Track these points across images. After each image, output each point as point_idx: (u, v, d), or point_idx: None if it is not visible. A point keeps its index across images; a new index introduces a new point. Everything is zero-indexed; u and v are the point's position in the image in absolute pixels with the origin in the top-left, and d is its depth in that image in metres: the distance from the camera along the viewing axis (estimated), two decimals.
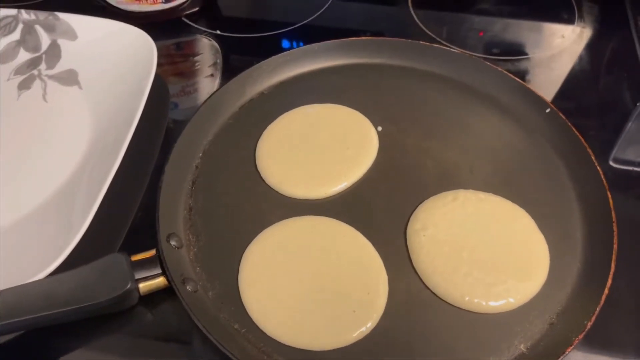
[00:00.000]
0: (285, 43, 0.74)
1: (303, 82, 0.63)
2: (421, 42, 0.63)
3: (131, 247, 0.48)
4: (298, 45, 0.74)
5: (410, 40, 0.63)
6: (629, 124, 0.63)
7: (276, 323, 0.44)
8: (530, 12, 0.76)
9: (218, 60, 0.72)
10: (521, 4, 0.77)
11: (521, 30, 0.74)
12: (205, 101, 0.58)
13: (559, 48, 0.71)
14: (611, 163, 0.58)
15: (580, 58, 0.70)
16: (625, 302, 0.47)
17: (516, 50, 0.70)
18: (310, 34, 0.74)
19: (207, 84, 0.69)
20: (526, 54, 0.70)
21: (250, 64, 0.62)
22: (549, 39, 0.72)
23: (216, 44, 0.74)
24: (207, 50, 0.74)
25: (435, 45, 0.63)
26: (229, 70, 0.70)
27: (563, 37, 0.72)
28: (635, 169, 0.59)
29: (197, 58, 0.73)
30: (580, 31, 0.73)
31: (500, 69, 0.60)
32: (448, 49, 0.63)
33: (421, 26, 0.74)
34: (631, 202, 0.56)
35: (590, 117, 0.63)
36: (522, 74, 0.67)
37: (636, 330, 0.46)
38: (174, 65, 0.73)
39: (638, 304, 0.47)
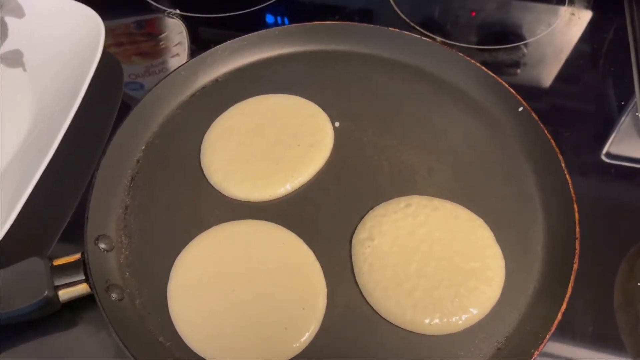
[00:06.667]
0: (256, 22, 0.69)
1: (261, 70, 0.59)
2: (390, 28, 0.58)
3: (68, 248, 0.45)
4: (276, 24, 0.69)
5: (377, 26, 0.58)
6: (622, 119, 0.59)
7: (201, 337, 0.41)
8: None
9: (183, 40, 0.69)
10: None
11: (504, 15, 0.68)
12: (152, 88, 0.54)
13: (544, 36, 0.65)
14: (603, 158, 0.55)
15: (566, 48, 0.64)
16: (581, 328, 0.43)
17: (494, 39, 0.65)
18: (281, 12, 0.69)
19: (174, 64, 0.65)
20: (507, 44, 0.64)
21: (218, 44, 0.57)
22: (533, 26, 0.66)
23: (181, 23, 0.70)
24: (171, 29, 0.70)
25: (405, 32, 0.58)
26: (197, 49, 0.66)
27: (549, 24, 0.66)
28: (628, 164, 0.55)
29: (161, 37, 0.69)
30: (569, 17, 0.67)
31: (472, 61, 0.55)
32: (418, 37, 0.58)
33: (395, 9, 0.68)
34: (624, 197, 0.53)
35: (574, 114, 0.59)
36: (499, 65, 0.62)
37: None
38: (136, 45, 0.69)
39: (596, 330, 0.43)
